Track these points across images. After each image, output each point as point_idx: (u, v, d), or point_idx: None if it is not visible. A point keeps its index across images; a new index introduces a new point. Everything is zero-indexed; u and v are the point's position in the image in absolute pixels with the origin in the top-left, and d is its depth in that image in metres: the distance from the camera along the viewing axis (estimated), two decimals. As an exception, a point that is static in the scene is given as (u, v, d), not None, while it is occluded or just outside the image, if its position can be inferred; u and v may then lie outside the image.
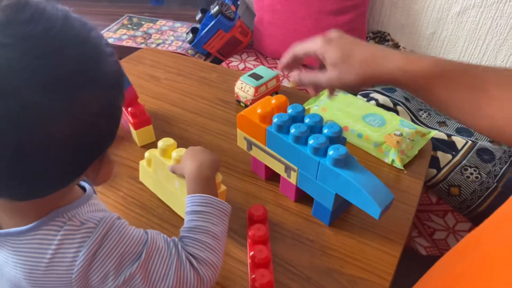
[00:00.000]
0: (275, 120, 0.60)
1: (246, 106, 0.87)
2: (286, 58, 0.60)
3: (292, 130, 0.58)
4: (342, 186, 0.56)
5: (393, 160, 0.74)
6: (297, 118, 0.61)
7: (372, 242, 0.61)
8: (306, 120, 0.59)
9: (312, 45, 0.56)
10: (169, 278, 0.44)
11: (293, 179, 0.64)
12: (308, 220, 0.65)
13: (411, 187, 0.71)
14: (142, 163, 0.67)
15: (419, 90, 0.49)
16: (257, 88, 0.85)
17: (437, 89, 0.47)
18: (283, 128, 0.60)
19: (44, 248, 0.39)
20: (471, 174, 0.89)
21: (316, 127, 0.59)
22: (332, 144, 0.56)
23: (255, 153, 0.68)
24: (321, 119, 0.60)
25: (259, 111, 0.62)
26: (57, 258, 0.39)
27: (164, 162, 0.62)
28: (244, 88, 0.87)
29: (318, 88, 0.58)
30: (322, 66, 0.57)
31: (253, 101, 0.85)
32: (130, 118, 0.75)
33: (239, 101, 0.89)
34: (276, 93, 0.92)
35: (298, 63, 0.60)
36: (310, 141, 0.56)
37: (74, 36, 0.35)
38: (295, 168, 0.62)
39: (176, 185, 0.62)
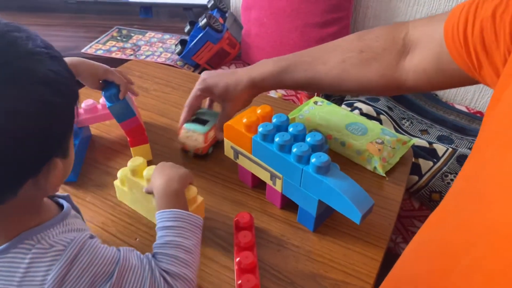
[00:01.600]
0: (260, 129, 0.62)
1: (196, 155, 0.79)
2: (184, 116, 0.79)
3: (277, 139, 0.60)
4: (324, 192, 0.58)
5: (375, 167, 0.76)
6: (281, 127, 0.63)
7: (355, 247, 0.63)
8: (290, 129, 0.62)
9: (197, 93, 0.78)
10: None
11: (278, 187, 0.66)
12: (293, 226, 0.67)
13: (392, 193, 0.73)
14: (116, 183, 0.68)
15: (275, 83, 0.72)
16: (206, 135, 0.77)
17: (285, 79, 0.71)
18: (267, 137, 0.62)
19: (13, 271, 0.39)
20: (452, 180, 0.93)
21: (300, 135, 0.61)
22: (314, 152, 0.58)
23: (242, 161, 0.70)
24: (304, 128, 0.62)
25: (244, 120, 0.64)
26: (26, 282, 0.39)
27: (136, 181, 0.63)
28: (191, 137, 0.77)
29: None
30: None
31: (204, 149, 0.77)
32: (126, 135, 0.76)
33: (186, 151, 0.80)
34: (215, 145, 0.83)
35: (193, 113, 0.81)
36: (294, 149, 0.59)
37: None
38: (280, 175, 0.64)
39: (153, 202, 0.62)
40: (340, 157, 0.81)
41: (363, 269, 0.60)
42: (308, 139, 0.60)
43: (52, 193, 0.42)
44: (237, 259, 0.58)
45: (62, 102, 0.38)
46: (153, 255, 0.49)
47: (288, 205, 0.69)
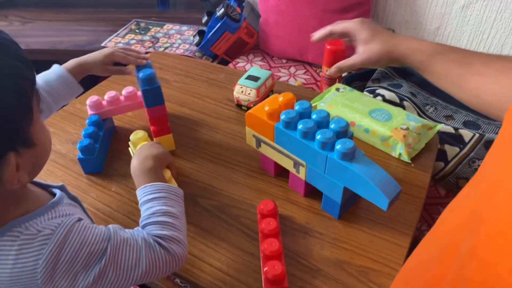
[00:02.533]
0: (282, 116, 0.62)
1: (248, 108, 0.87)
2: (322, 31, 0.79)
3: (300, 126, 0.60)
4: (350, 179, 0.57)
5: (400, 154, 0.75)
6: (304, 114, 0.62)
7: (381, 234, 0.63)
8: (313, 116, 0.61)
9: (351, 24, 0.75)
10: (141, 263, 0.46)
11: (302, 174, 0.65)
12: (317, 214, 0.66)
13: (418, 180, 0.72)
14: (130, 149, 0.72)
15: (421, 64, 0.65)
16: (258, 89, 0.87)
17: (435, 63, 0.62)
18: (290, 125, 0.62)
19: (3, 259, 0.40)
20: (479, 166, 0.90)
21: (323, 122, 0.61)
22: (339, 138, 0.58)
23: (264, 150, 0.70)
24: (328, 114, 0.61)
25: (266, 108, 0.64)
26: (17, 268, 0.40)
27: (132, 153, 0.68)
28: (245, 91, 0.87)
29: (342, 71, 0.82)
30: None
31: (256, 102, 0.86)
32: (150, 124, 0.77)
33: (240, 105, 0.90)
34: (272, 91, 0.94)
35: (328, 38, 0.80)
36: (318, 136, 0.58)
37: None
38: (304, 163, 0.63)
39: None
40: (364, 144, 0.79)
41: (390, 256, 0.59)
42: (332, 126, 0.59)
43: (13, 187, 0.40)
44: (263, 246, 0.58)
45: (5, 95, 0.37)
46: (142, 227, 0.51)
47: (312, 192, 0.68)
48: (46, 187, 0.50)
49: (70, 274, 0.42)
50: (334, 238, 0.62)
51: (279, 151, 0.66)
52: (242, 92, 0.88)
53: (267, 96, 0.88)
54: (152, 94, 0.71)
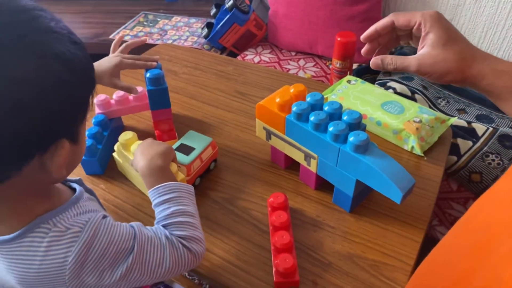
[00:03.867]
0: (294, 108, 0.61)
1: None
2: (381, 22, 0.56)
3: (312, 118, 0.58)
4: (363, 172, 0.56)
5: (412, 147, 0.74)
6: (316, 106, 0.61)
7: (393, 228, 0.62)
8: (325, 108, 0.60)
9: (419, 17, 0.52)
10: (165, 262, 0.47)
11: (313, 167, 0.64)
12: (328, 207, 0.65)
13: (431, 174, 0.71)
14: (115, 155, 0.70)
15: (507, 91, 0.47)
16: (189, 166, 0.65)
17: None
18: (302, 116, 0.61)
19: (32, 255, 0.40)
20: (493, 160, 0.88)
21: (336, 114, 0.59)
22: (352, 130, 0.56)
23: (274, 142, 0.69)
24: (341, 106, 0.60)
25: (277, 100, 0.63)
26: (46, 264, 0.40)
27: (126, 155, 0.65)
28: (172, 167, 0.63)
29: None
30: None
31: (187, 181, 0.63)
32: (154, 128, 0.75)
33: None
34: (215, 161, 0.72)
35: (384, 34, 0.57)
36: (330, 128, 0.57)
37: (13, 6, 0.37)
38: (315, 155, 0.62)
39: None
40: (376, 137, 0.78)
41: (403, 250, 0.58)
42: (344, 118, 0.58)
43: (58, 176, 0.41)
44: (273, 239, 0.57)
45: (74, 83, 0.39)
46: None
47: (323, 185, 0.67)
48: (64, 182, 0.50)
49: (97, 271, 0.42)
50: (345, 232, 0.61)
51: (290, 144, 0.65)
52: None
53: (206, 171, 0.70)
54: (158, 95, 0.69)
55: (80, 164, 0.72)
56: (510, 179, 0.30)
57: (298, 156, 0.66)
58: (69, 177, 0.50)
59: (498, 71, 0.48)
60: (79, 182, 0.51)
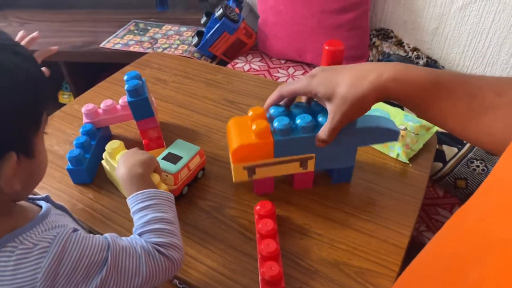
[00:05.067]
0: (276, 124, 0.59)
1: None
2: (272, 99, 0.61)
3: (298, 121, 0.59)
4: (361, 137, 0.62)
5: (398, 154, 0.75)
6: (294, 114, 0.62)
7: (379, 235, 0.62)
8: (295, 110, 0.62)
9: (299, 85, 0.56)
10: (141, 271, 0.46)
11: (310, 167, 0.65)
12: (315, 214, 0.66)
13: (416, 180, 0.72)
14: (103, 163, 0.71)
15: (417, 100, 0.47)
16: (177, 175, 0.65)
17: (437, 99, 0.46)
18: (288, 130, 0.59)
19: (1, 275, 0.39)
20: (478, 166, 0.90)
21: (315, 110, 0.62)
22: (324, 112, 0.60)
23: (260, 174, 0.65)
24: (306, 107, 0.63)
25: (254, 127, 0.59)
26: (16, 283, 0.39)
27: (112, 164, 0.66)
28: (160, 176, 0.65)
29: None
30: (310, 101, 0.64)
31: (175, 191, 0.65)
32: (142, 137, 0.75)
33: None
34: (203, 169, 0.73)
35: (281, 100, 0.62)
36: (320, 119, 0.59)
37: None
38: (312, 155, 0.63)
39: None
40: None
41: (388, 257, 0.59)
42: (317, 108, 0.62)
43: (9, 190, 0.40)
44: (260, 247, 0.57)
45: (16, 92, 0.39)
46: (139, 235, 0.50)
47: (309, 192, 0.68)
48: (30, 200, 0.50)
49: (70, 286, 0.42)
50: (331, 239, 0.62)
51: (281, 162, 0.63)
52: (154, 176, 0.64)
53: (193, 179, 0.70)
54: (139, 105, 0.69)
55: (68, 174, 0.72)
56: (478, 201, 0.29)
57: (292, 169, 0.65)
58: (36, 195, 0.50)
59: (402, 82, 0.48)
60: (46, 198, 0.51)
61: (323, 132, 0.57)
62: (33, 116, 0.42)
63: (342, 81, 0.51)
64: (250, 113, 0.62)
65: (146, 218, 0.51)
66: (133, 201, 0.53)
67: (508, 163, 0.27)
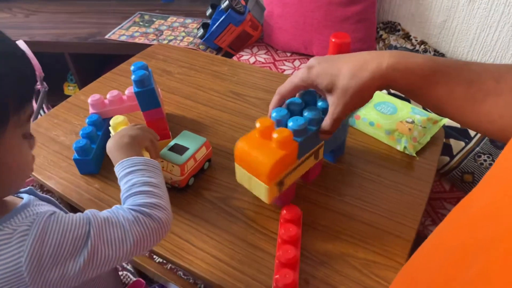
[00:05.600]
0: (291, 124, 0.57)
1: (172, 187, 0.67)
2: (273, 103, 0.60)
3: (306, 114, 0.59)
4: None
5: (405, 147, 0.74)
6: (295, 112, 0.61)
7: (385, 227, 0.62)
8: (293, 106, 0.62)
9: (297, 80, 0.56)
10: (127, 238, 0.46)
11: (321, 155, 0.66)
12: (321, 207, 0.66)
13: (423, 174, 0.71)
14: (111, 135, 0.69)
15: (416, 88, 0.48)
16: (183, 165, 0.65)
17: (435, 85, 0.46)
18: (305, 129, 0.58)
19: None
20: (485, 161, 0.89)
21: (308, 100, 0.63)
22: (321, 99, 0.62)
23: (288, 181, 0.61)
24: (302, 102, 0.62)
25: (275, 135, 0.54)
26: (1, 270, 0.39)
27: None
28: (166, 167, 0.66)
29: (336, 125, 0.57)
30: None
31: (181, 182, 0.66)
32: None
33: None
34: (209, 161, 0.72)
35: (283, 102, 0.61)
36: (320, 103, 0.61)
37: None
38: (322, 143, 0.64)
39: None
40: (369, 137, 0.79)
41: (395, 249, 0.59)
42: (319, 104, 0.62)
43: None
44: (278, 253, 0.55)
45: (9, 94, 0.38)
46: (124, 200, 0.50)
47: (313, 184, 0.68)
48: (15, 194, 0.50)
49: (58, 264, 0.42)
50: (337, 231, 0.62)
51: (302, 162, 0.61)
52: (162, 167, 0.65)
53: (200, 171, 0.70)
54: (146, 96, 0.69)
55: (74, 164, 0.73)
56: (483, 191, 0.29)
57: (309, 164, 0.63)
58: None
59: (402, 71, 0.48)
60: (30, 191, 0.51)
61: (326, 124, 0.57)
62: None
63: (342, 72, 0.51)
64: (257, 125, 0.57)
65: (131, 182, 0.50)
66: (119, 168, 0.53)
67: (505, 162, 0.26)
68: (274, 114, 0.58)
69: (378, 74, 0.48)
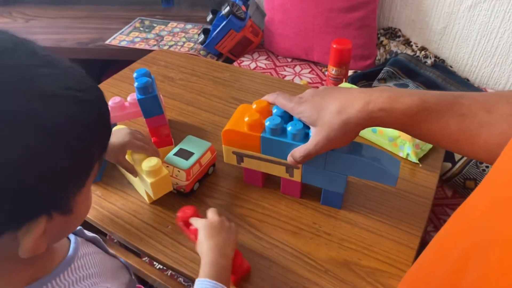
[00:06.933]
0: (267, 123, 0.59)
1: (178, 192, 0.68)
2: (267, 98, 0.62)
3: (289, 128, 0.57)
4: (354, 167, 0.57)
5: (408, 154, 0.74)
6: (285, 117, 0.60)
7: (389, 235, 0.62)
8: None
9: (287, 107, 0.57)
10: None
11: (297, 177, 0.64)
12: (325, 214, 0.66)
13: (426, 181, 0.71)
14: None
15: (405, 127, 0.48)
16: (189, 170, 0.66)
17: (425, 123, 0.46)
18: (277, 131, 0.59)
19: None
20: (487, 167, 0.89)
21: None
22: None
23: (248, 164, 0.66)
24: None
25: (246, 119, 0.60)
26: None
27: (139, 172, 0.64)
28: (171, 171, 0.66)
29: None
30: None
31: (186, 186, 0.66)
32: (151, 135, 0.75)
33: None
34: (213, 165, 0.73)
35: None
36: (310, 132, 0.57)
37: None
38: (299, 165, 0.62)
39: (143, 181, 0.64)
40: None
41: (399, 257, 0.59)
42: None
43: (32, 254, 0.34)
44: (179, 216, 0.59)
45: (61, 155, 0.33)
46: None
47: (310, 190, 0.68)
48: None
49: None
50: (341, 239, 0.62)
51: (268, 160, 0.63)
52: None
53: (204, 176, 0.71)
54: (149, 103, 0.69)
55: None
56: (481, 195, 0.29)
57: (278, 171, 0.65)
58: None
59: (388, 111, 0.47)
60: (78, 232, 0.48)
61: (298, 151, 0.56)
62: (81, 174, 0.36)
63: (328, 107, 0.51)
64: (254, 106, 0.62)
65: None
66: (201, 285, 0.50)
67: (509, 157, 0.26)
68: (275, 110, 0.60)
69: (364, 113, 0.48)
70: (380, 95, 0.48)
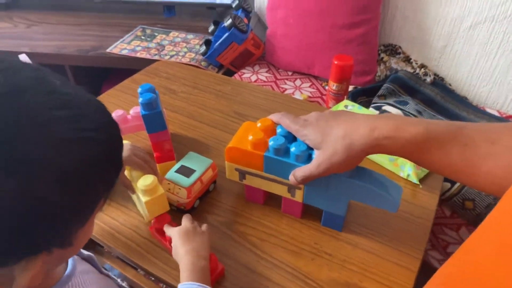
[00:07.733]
0: (271, 143, 0.59)
1: (178, 209, 0.68)
2: (271, 117, 0.62)
3: (293, 149, 0.57)
4: (356, 192, 0.58)
5: (408, 175, 0.75)
6: (289, 137, 0.60)
7: (390, 257, 0.62)
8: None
9: (292, 128, 0.58)
10: None
11: (298, 197, 0.64)
12: (326, 234, 0.66)
13: (427, 202, 0.72)
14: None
15: (408, 155, 0.49)
16: (190, 188, 0.66)
17: (428, 152, 0.47)
18: (281, 151, 0.59)
19: None
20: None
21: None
22: None
23: (250, 181, 0.66)
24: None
25: (250, 138, 0.60)
26: None
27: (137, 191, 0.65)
28: (172, 189, 0.66)
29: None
30: None
31: (187, 204, 0.67)
32: (153, 150, 0.75)
33: (170, 203, 0.67)
34: (214, 182, 0.73)
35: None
36: (313, 154, 0.57)
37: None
38: (301, 186, 0.62)
39: (141, 201, 0.64)
40: (372, 164, 0.79)
41: (399, 280, 0.59)
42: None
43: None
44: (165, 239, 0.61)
45: (65, 198, 0.32)
46: None
47: (306, 211, 0.68)
48: None
49: None
50: (343, 260, 0.62)
51: (270, 179, 0.64)
52: (169, 189, 0.67)
53: (205, 193, 0.71)
54: (153, 119, 0.69)
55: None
56: (483, 237, 0.28)
57: (280, 190, 0.65)
58: None
59: (393, 139, 0.48)
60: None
61: (299, 171, 0.56)
62: (85, 212, 0.36)
63: (333, 132, 0.52)
64: (258, 124, 0.62)
65: None
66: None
67: (508, 205, 0.27)
68: (279, 130, 0.61)
69: (368, 140, 0.49)
70: (386, 123, 0.49)
